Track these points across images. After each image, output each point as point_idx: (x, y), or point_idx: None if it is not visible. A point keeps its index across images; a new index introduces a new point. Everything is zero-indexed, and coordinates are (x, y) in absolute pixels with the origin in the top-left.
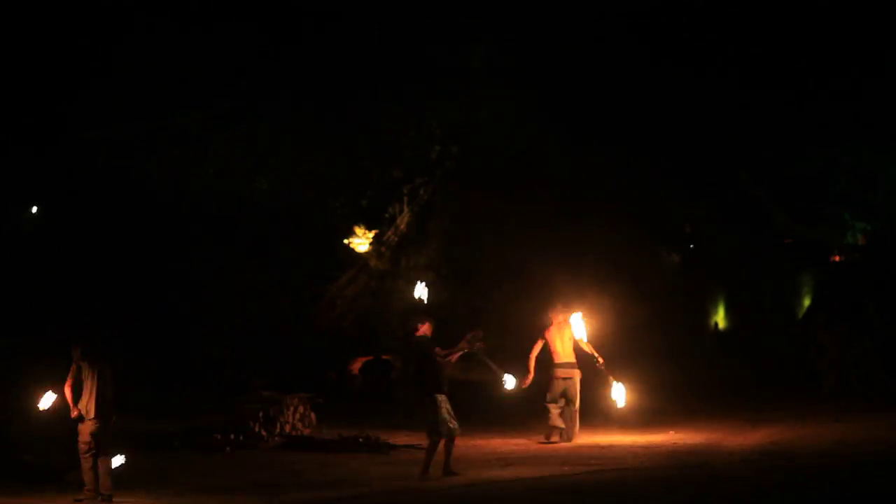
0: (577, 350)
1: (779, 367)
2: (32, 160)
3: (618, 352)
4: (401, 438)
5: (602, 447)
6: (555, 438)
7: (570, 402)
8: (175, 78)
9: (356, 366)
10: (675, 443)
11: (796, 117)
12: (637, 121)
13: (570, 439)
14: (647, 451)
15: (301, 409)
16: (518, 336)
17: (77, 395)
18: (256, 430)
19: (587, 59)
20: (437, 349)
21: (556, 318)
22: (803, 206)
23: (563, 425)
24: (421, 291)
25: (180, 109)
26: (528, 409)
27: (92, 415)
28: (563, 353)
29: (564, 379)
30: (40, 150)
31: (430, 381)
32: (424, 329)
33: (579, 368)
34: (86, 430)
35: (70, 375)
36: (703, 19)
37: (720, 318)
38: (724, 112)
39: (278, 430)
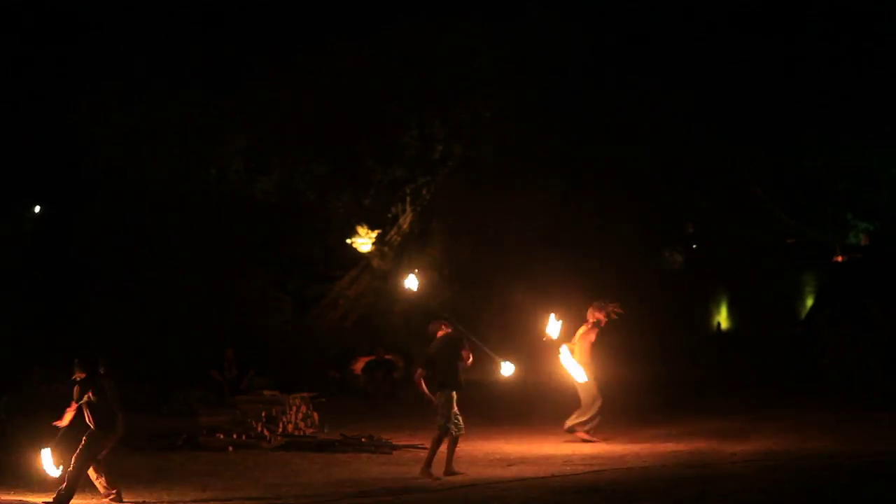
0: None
1: (781, 367)
2: (36, 159)
3: (620, 352)
4: (403, 438)
5: (604, 447)
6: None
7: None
8: (178, 76)
9: (359, 365)
10: (676, 442)
11: (799, 118)
12: (639, 121)
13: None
14: (650, 450)
15: (304, 408)
16: (521, 335)
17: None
18: (259, 429)
19: (588, 59)
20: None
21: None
22: (806, 207)
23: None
24: (411, 282)
25: (183, 108)
26: (530, 409)
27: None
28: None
29: None
30: (43, 148)
31: (452, 377)
32: (445, 330)
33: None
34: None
35: (83, 391)
36: (705, 18)
37: (723, 318)
38: (726, 112)
39: (281, 430)
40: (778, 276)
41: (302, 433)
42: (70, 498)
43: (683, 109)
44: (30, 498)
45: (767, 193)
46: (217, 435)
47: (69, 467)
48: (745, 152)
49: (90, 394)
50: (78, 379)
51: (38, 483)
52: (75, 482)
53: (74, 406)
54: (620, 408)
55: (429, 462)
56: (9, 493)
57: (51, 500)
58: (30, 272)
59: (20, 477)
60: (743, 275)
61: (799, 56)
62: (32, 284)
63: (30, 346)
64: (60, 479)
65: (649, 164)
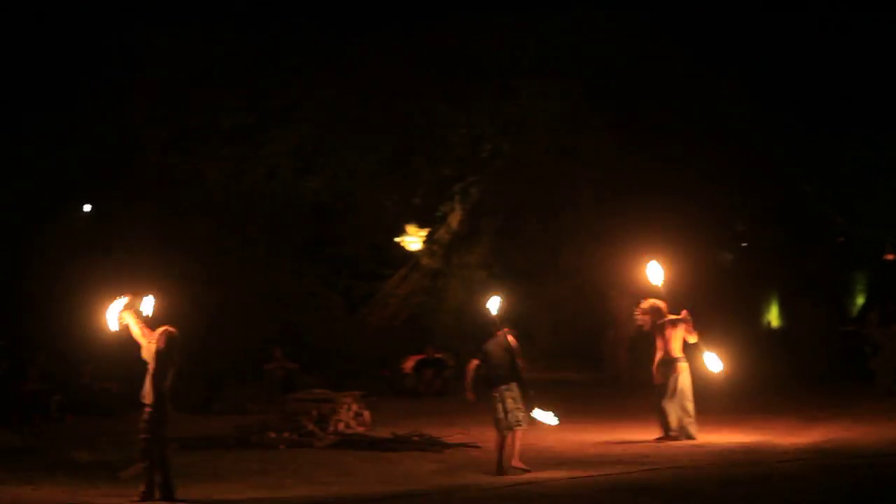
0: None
1: (832, 366)
2: (86, 159)
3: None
4: (454, 437)
5: (656, 446)
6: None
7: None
8: (228, 76)
9: (409, 364)
10: (728, 441)
11: (848, 114)
12: (687, 117)
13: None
14: (701, 449)
15: (354, 407)
16: (570, 335)
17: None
18: (310, 428)
19: (635, 56)
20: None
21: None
22: (856, 204)
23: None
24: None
25: (232, 107)
26: (583, 408)
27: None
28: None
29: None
30: (95, 148)
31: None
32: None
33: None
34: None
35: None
36: (753, 14)
37: (773, 317)
38: (775, 109)
39: (332, 429)
40: (828, 274)
41: (353, 431)
42: (153, 491)
43: (732, 106)
44: (84, 495)
45: (817, 191)
46: (268, 433)
47: (141, 464)
48: (794, 149)
49: (157, 363)
50: (157, 347)
51: (92, 478)
52: (153, 473)
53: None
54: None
55: (514, 456)
56: (63, 490)
57: (137, 498)
58: (80, 271)
59: (75, 474)
60: (793, 273)
61: (848, 51)
62: (82, 282)
63: (80, 344)
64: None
65: (697, 162)
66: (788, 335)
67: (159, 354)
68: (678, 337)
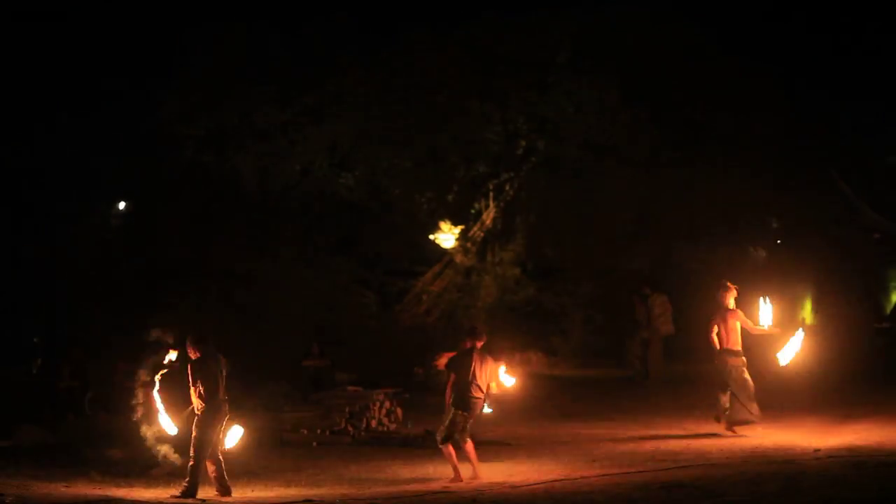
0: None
1: (866, 364)
2: (121, 156)
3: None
4: (486, 434)
5: (688, 443)
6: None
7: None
8: (263, 72)
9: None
10: (761, 438)
11: (883, 110)
12: (724, 115)
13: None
14: (733, 446)
15: (387, 404)
16: (605, 331)
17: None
18: (343, 425)
19: (671, 52)
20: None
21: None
22: (892, 201)
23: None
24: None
25: (267, 104)
26: (614, 406)
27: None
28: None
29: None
30: (129, 146)
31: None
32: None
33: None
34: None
35: (198, 371)
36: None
37: (807, 314)
38: (812, 106)
39: (364, 426)
40: (863, 271)
41: (385, 429)
42: (196, 490)
43: (769, 103)
44: (117, 492)
45: (853, 188)
46: (301, 430)
47: (188, 460)
48: (829, 146)
49: (204, 374)
50: (193, 359)
51: (125, 475)
52: (197, 472)
53: (194, 390)
54: (706, 403)
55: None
56: (96, 487)
57: (178, 493)
58: (114, 269)
59: (105, 471)
60: (827, 270)
61: (883, 48)
62: (116, 281)
63: (114, 342)
64: (184, 474)
65: (733, 159)
66: (822, 333)
67: (197, 370)
68: (736, 328)
